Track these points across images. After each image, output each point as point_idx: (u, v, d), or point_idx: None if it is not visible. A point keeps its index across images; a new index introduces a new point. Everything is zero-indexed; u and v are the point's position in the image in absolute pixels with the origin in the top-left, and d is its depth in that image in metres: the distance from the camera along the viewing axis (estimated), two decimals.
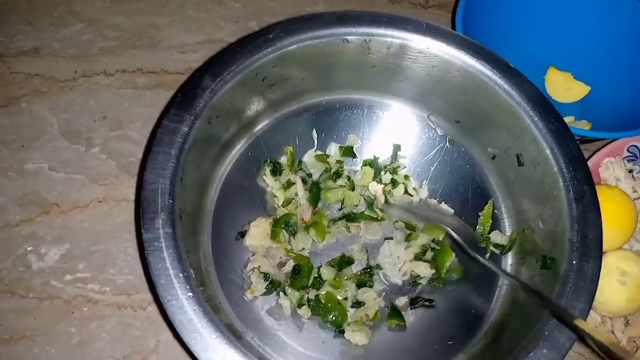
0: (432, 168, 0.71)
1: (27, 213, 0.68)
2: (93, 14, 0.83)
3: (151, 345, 0.63)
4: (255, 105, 0.65)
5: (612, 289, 0.59)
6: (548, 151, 0.58)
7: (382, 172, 0.70)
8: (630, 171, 0.72)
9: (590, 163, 0.68)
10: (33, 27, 0.81)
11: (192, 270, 0.49)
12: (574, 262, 0.52)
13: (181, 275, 0.47)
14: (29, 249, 0.66)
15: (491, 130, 0.65)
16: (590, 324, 0.64)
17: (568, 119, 0.80)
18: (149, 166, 0.51)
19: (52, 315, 0.63)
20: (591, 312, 0.65)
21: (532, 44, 0.83)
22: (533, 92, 0.59)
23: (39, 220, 0.68)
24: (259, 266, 0.63)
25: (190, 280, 0.48)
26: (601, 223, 0.54)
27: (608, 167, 0.70)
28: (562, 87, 0.83)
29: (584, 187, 0.55)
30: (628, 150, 0.72)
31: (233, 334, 0.53)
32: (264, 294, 0.62)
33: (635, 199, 0.68)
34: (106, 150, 0.73)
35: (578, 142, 0.58)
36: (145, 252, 0.48)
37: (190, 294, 0.47)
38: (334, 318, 0.63)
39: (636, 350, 0.63)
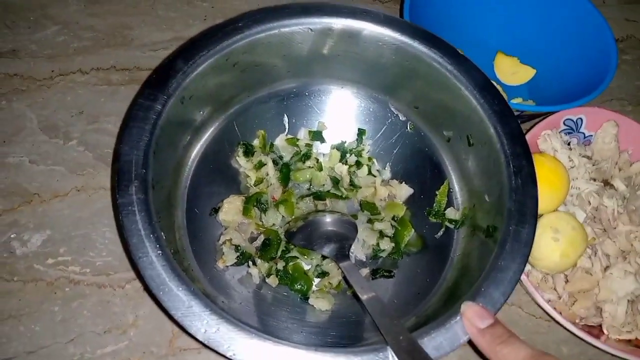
0: (395, 151, 0.76)
1: (9, 203, 0.73)
2: (67, 17, 0.89)
3: (130, 320, 0.68)
4: (228, 90, 0.70)
5: (546, 246, 0.65)
6: (492, 130, 0.63)
7: (348, 155, 0.76)
8: (568, 143, 0.78)
9: (528, 136, 0.73)
10: (11, 30, 0.86)
11: (162, 233, 0.54)
12: (511, 227, 0.57)
13: (151, 235, 0.52)
14: (12, 236, 0.71)
15: (445, 115, 0.70)
16: (534, 280, 0.70)
17: (516, 100, 0.86)
18: (124, 139, 0.56)
19: (36, 296, 0.68)
20: (532, 270, 0.70)
21: (480, 31, 0.89)
22: (479, 77, 0.65)
23: (21, 210, 0.73)
24: (231, 239, 0.68)
25: (160, 240, 0.52)
26: (537, 193, 0.59)
27: (546, 139, 0.76)
28: (510, 71, 0.89)
29: (523, 161, 0.60)
30: (564, 123, 0.78)
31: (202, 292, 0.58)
32: (235, 264, 0.67)
33: (570, 167, 0.73)
34: (83, 143, 0.78)
35: (522, 118, 0.63)
36: (120, 215, 0.52)
37: (160, 252, 0.51)
38: (300, 287, 0.67)
39: (573, 303, 0.68)
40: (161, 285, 0.50)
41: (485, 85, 0.64)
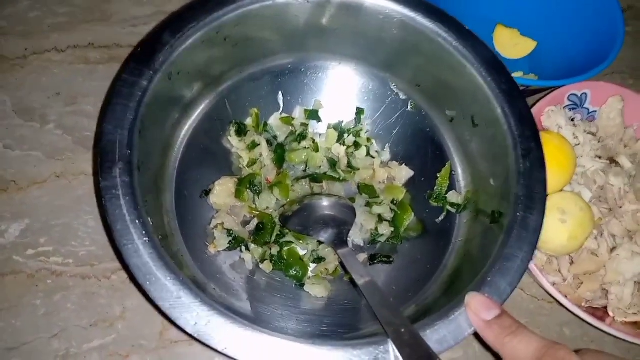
0: (394, 131, 0.73)
1: None
2: None
3: (117, 312, 0.65)
4: (219, 65, 0.66)
5: (553, 228, 0.62)
6: (499, 110, 0.59)
7: (346, 135, 0.72)
8: (572, 119, 0.75)
9: (532, 112, 0.69)
10: None
11: (149, 218, 0.50)
12: (519, 214, 0.54)
13: (137, 221, 0.49)
14: None
15: (448, 93, 0.67)
16: (538, 263, 0.67)
17: (517, 74, 0.82)
18: (108, 117, 0.52)
19: (15, 290, 0.64)
20: (537, 252, 0.68)
21: (478, 2, 0.85)
22: (486, 53, 0.61)
23: None
24: (223, 222, 0.65)
25: (147, 226, 0.49)
26: (546, 177, 0.56)
27: (550, 116, 0.73)
28: (510, 44, 0.86)
29: (531, 144, 0.57)
30: (568, 99, 0.75)
31: (196, 285, 0.55)
32: (227, 249, 0.64)
33: (575, 145, 0.70)
34: (61, 126, 0.74)
35: (524, 94, 0.60)
36: (103, 199, 0.49)
37: (146, 239, 0.48)
38: (295, 272, 0.65)
39: (579, 285, 0.66)
40: (147, 274, 0.47)
41: (493, 63, 0.61)
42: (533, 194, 0.55)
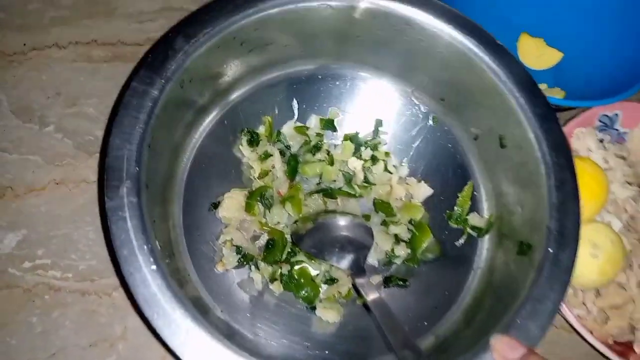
0: (414, 146, 0.69)
1: None
2: None
3: (118, 331, 0.61)
4: (233, 71, 0.62)
5: (584, 263, 0.59)
6: (532, 135, 0.56)
7: (363, 148, 0.68)
8: (601, 141, 0.71)
9: None
10: None
11: (157, 242, 0.47)
12: (551, 250, 0.51)
13: (145, 247, 0.45)
14: None
15: (475, 110, 0.63)
16: None
17: (541, 87, 0.77)
18: (115, 130, 0.48)
19: (10, 305, 0.60)
20: None
21: (504, 9, 0.80)
22: (520, 72, 0.57)
23: None
24: (232, 239, 0.61)
25: (155, 252, 0.45)
26: (580, 212, 0.53)
27: (579, 138, 0.69)
28: (535, 54, 0.81)
29: (566, 174, 0.54)
30: (599, 120, 0.71)
31: (200, 308, 0.52)
32: (236, 267, 0.61)
33: (605, 169, 0.67)
34: (62, 129, 0.69)
35: None
36: (108, 221, 0.45)
37: (154, 267, 0.45)
38: (306, 294, 0.62)
39: (606, 321, 0.63)
40: (155, 307, 0.44)
41: (527, 84, 0.57)
42: (566, 230, 0.52)
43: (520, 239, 0.56)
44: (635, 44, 0.74)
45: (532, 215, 0.56)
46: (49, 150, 0.68)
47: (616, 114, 0.71)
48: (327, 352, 0.58)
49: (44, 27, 0.75)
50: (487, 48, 0.58)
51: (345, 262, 0.59)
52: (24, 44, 0.73)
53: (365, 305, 0.59)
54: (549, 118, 0.56)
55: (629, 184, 0.68)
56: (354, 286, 0.62)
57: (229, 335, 0.52)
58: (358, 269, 0.58)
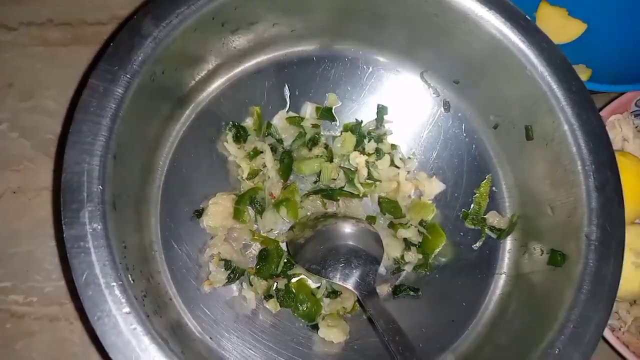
0: (424, 135, 0.61)
1: None
2: None
3: None
4: (214, 57, 0.53)
5: (625, 273, 0.52)
6: (566, 126, 0.48)
7: (366, 140, 0.61)
8: (637, 127, 0.64)
9: None
10: None
11: (129, 275, 0.39)
12: (592, 263, 0.44)
13: (114, 284, 0.37)
14: None
15: (496, 95, 0.55)
16: None
17: None
18: (71, 140, 0.39)
19: None
20: None
21: None
22: (554, 53, 0.49)
23: None
24: (219, 252, 0.54)
25: (127, 290, 0.38)
26: (624, 218, 0.46)
27: (615, 126, 0.63)
28: (556, 25, 0.73)
29: (607, 172, 0.47)
30: (636, 105, 0.64)
31: (182, 338, 0.45)
32: (225, 284, 0.53)
33: None
34: (17, 127, 0.61)
35: None
36: (68, 254, 0.37)
37: (127, 309, 0.37)
38: (306, 310, 0.55)
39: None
40: (131, 358, 0.36)
41: (561, 66, 0.49)
42: (609, 240, 0.45)
43: (552, 246, 0.49)
44: None
45: (566, 219, 0.49)
46: (2, 152, 0.60)
47: None
48: None
49: None
50: (515, 24, 0.50)
51: (352, 279, 0.51)
52: None
53: (372, 321, 0.52)
54: (587, 107, 0.48)
55: None
56: (359, 301, 0.55)
57: None
58: (367, 288, 0.50)
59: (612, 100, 0.64)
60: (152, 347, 0.37)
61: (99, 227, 0.38)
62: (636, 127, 0.63)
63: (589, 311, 0.43)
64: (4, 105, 0.61)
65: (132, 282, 0.39)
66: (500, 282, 0.55)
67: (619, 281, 0.44)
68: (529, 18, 0.50)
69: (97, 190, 0.39)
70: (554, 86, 0.49)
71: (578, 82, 0.49)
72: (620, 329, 0.57)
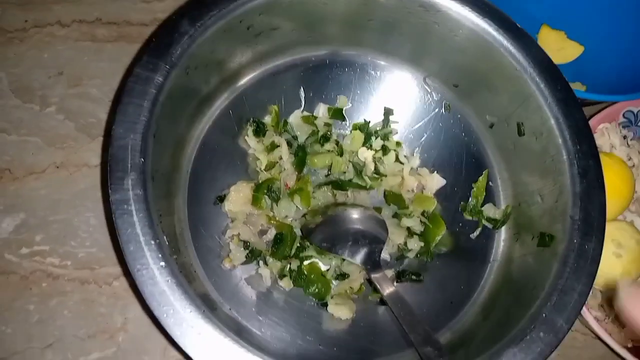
0: (426, 135, 0.67)
1: None
2: None
3: (118, 323, 0.59)
4: (239, 57, 0.59)
5: (607, 262, 0.56)
6: (552, 121, 0.54)
7: (373, 138, 0.66)
8: (625, 137, 0.69)
9: None
10: None
11: (165, 237, 0.44)
12: (575, 240, 0.49)
13: (152, 242, 0.43)
14: None
15: (491, 96, 0.61)
16: None
17: None
18: (118, 119, 0.45)
19: (7, 292, 0.58)
20: None
21: (524, 0, 0.78)
22: (540, 56, 0.55)
23: None
24: (239, 233, 0.59)
25: (163, 248, 0.43)
26: (605, 201, 0.51)
27: (603, 134, 0.67)
28: (555, 47, 0.79)
29: (589, 161, 0.52)
30: (624, 116, 0.69)
31: (208, 306, 0.49)
32: (243, 263, 0.58)
33: (630, 167, 0.65)
34: (63, 110, 0.67)
35: None
36: (113, 215, 0.43)
37: (163, 263, 0.42)
38: (316, 290, 0.59)
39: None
40: (165, 305, 0.41)
41: (548, 67, 0.55)
42: (591, 219, 0.50)
43: (541, 229, 0.54)
44: None
45: (553, 204, 0.54)
46: (49, 131, 0.65)
47: None
48: (338, 349, 0.55)
49: (46, 3, 0.72)
50: (506, 31, 0.56)
51: (359, 256, 0.56)
52: (25, 21, 0.70)
53: (382, 301, 0.57)
54: (571, 103, 0.54)
55: None
56: (369, 281, 0.59)
57: (238, 332, 0.50)
58: (373, 263, 0.55)
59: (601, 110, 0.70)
60: (184, 298, 0.42)
61: (140, 192, 0.44)
62: (624, 136, 0.68)
63: (573, 282, 0.47)
64: (54, 91, 0.67)
65: (167, 242, 0.44)
66: (494, 266, 0.59)
67: (600, 256, 0.48)
68: (518, 25, 0.56)
69: (139, 162, 0.45)
70: (541, 85, 0.54)
71: (562, 82, 0.54)
72: (605, 320, 0.61)
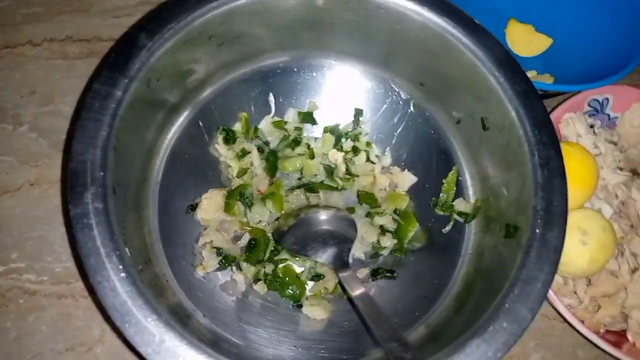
0: (396, 134, 0.67)
1: None
2: None
3: (96, 335, 0.59)
4: (204, 67, 0.60)
5: (573, 250, 0.57)
6: (513, 114, 0.54)
7: (343, 139, 0.67)
8: (592, 126, 0.69)
9: None
10: None
11: (128, 248, 0.45)
12: (538, 230, 0.49)
13: (113, 254, 0.43)
14: None
15: (456, 93, 0.61)
16: (553, 285, 0.62)
17: (530, 74, 0.76)
18: (77, 135, 0.46)
19: None
20: None
21: None
22: (499, 50, 0.56)
23: None
24: (212, 241, 0.59)
25: (124, 259, 0.44)
26: (567, 189, 0.51)
27: (569, 123, 0.67)
28: (524, 41, 0.79)
29: (550, 151, 0.52)
30: (589, 105, 0.69)
31: (180, 314, 0.50)
32: (217, 269, 0.59)
33: (596, 155, 0.65)
34: (36, 128, 0.68)
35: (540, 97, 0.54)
36: (73, 229, 0.43)
37: (124, 274, 0.43)
38: (292, 292, 0.60)
39: (598, 309, 0.61)
40: (126, 316, 0.42)
41: (506, 62, 0.55)
42: (553, 208, 0.50)
43: (507, 221, 0.54)
44: (624, 28, 0.72)
45: (517, 196, 0.54)
46: (22, 150, 0.66)
47: (607, 98, 0.69)
48: (317, 350, 0.56)
49: (16, 24, 0.73)
50: (464, 28, 0.56)
51: (328, 256, 0.57)
52: None
53: (351, 300, 0.57)
54: (530, 95, 0.54)
55: (620, 169, 0.66)
56: (341, 284, 0.60)
57: (213, 340, 0.51)
58: (341, 262, 0.56)
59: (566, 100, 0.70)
60: (145, 307, 0.43)
61: (100, 206, 0.44)
62: (590, 125, 0.69)
63: (536, 271, 0.48)
64: (26, 110, 0.68)
65: (129, 254, 0.45)
66: (466, 259, 0.59)
67: (562, 245, 0.49)
68: (476, 22, 0.56)
69: (99, 176, 0.45)
70: (501, 79, 0.55)
71: (522, 75, 0.55)
72: (577, 307, 0.61)
